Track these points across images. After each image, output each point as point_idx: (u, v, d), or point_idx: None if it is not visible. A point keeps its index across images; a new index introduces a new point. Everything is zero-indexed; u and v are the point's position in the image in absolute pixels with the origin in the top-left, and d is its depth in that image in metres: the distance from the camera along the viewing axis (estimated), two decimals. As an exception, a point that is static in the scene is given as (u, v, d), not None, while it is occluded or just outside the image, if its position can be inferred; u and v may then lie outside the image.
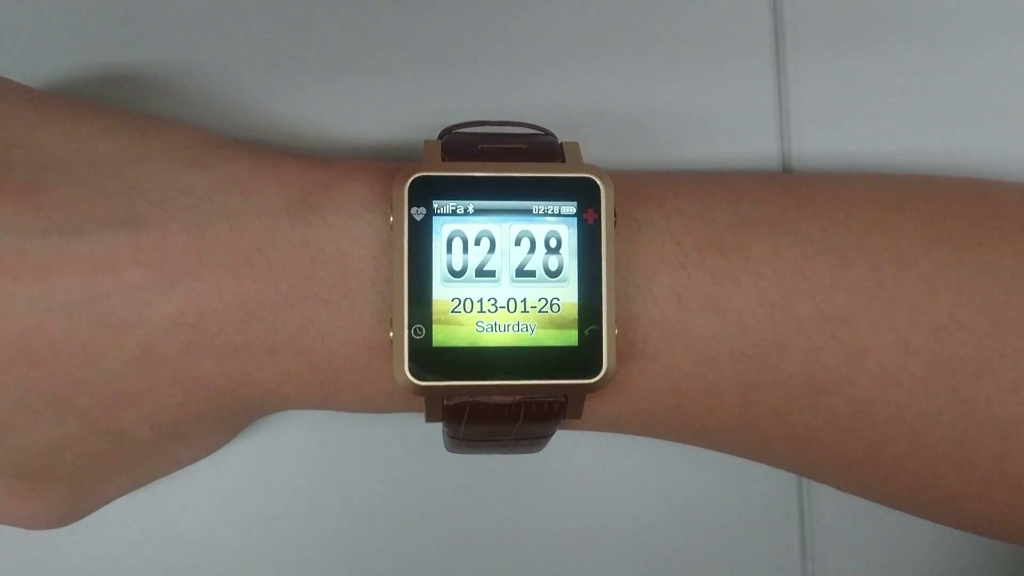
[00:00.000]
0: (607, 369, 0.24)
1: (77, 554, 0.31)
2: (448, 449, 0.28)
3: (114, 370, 0.24)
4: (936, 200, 0.26)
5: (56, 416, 0.24)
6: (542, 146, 0.25)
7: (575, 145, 0.25)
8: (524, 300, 0.24)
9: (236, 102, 0.30)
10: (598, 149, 0.25)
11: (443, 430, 0.26)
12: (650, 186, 0.26)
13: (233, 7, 0.30)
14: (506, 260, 0.24)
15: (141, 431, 0.26)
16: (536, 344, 0.24)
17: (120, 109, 0.26)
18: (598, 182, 0.24)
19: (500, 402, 0.24)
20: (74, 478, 0.26)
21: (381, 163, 0.26)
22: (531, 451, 0.27)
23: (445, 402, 0.24)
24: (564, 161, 0.25)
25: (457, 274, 0.24)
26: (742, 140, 0.30)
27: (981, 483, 0.25)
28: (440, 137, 0.26)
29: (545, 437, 0.26)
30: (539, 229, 0.24)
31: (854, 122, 0.30)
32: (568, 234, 0.24)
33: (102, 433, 0.25)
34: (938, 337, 0.25)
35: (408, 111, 0.30)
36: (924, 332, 0.25)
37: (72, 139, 0.25)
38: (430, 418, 0.25)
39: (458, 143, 0.25)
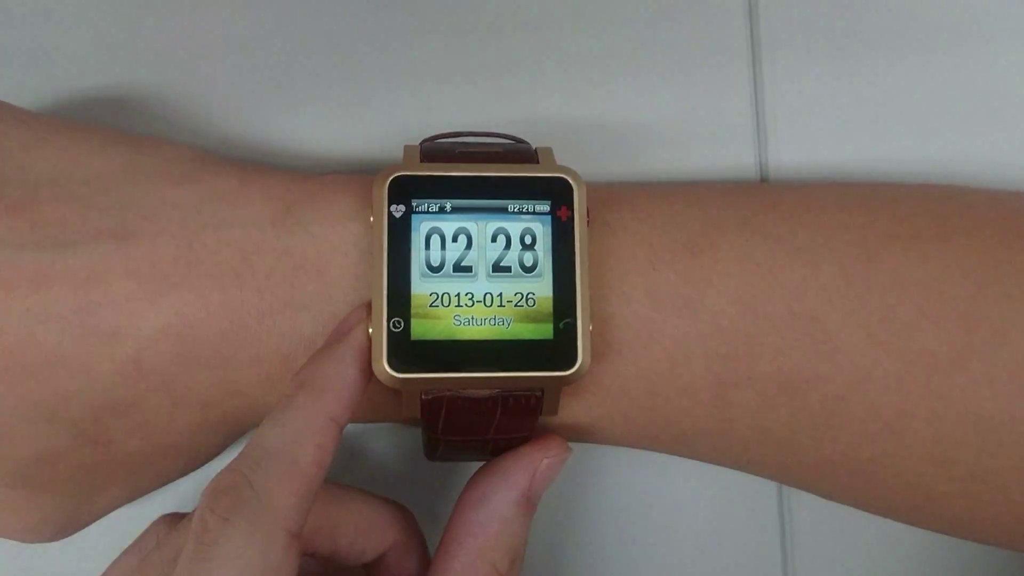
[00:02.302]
0: (582, 362, 0.24)
1: (67, 570, 0.31)
2: (427, 456, 0.28)
3: (104, 380, 0.25)
4: (902, 202, 0.27)
5: (48, 426, 0.25)
6: (517, 150, 0.26)
7: (548, 150, 0.26)
8: (500, 295, 0.24)
9: (224, 122, 0.31)
10: (576, 162, 0.26)
11: (422, 433, 0.26)
12: (623, 192, 0.27)
13: (220, 32, 0.32)
14: (483, 256, 0.25)
15: (131, 441, 0.26)
16: (512, 337, 0.24)
17: (112, 129, 0.27)
18: (570, 181, 0.25)
19: (477, 396, 0.25)
20: (67, 489, 0.27)
21: (364, 177, 0.27)
22: None
23: (423, 396, 0.25)
24: (538, 163, 0.26)
25: (435, 270, 0.24)
26: (720, 152, 0.31)
27: (962, 481, 0.25)
28: (420, 144, 0.27)
29: (523, 439, 0.27)
30: (514, 226, 0.25)
31: (831, 133, 0.31)
32: (542, 231, 0.25)
33: (93, 443, 0.26)
34: (908, 332, 0.25)
35: (390, 128, 0.31)
36: (894, 328, 0.25)
37: (65, 157, 0.26)
38: (408, 411, 0.25)
39: (437, 148, 0.26)
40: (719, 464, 0.28)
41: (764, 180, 0.31)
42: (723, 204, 0.27)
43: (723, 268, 0.25)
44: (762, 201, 0.27)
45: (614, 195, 0.27)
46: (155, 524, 0.27)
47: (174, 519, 0.27)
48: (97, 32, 0.32)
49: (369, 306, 0.24)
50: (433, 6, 0.31)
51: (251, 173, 0.27)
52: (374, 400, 0.26)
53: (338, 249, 0.25)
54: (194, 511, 0.22)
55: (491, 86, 0.31)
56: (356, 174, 0.27)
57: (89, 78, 0.31)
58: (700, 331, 0.25)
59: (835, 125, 0.31)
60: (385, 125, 0.31)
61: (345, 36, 0.32)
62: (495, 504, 0.26)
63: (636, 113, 0.31)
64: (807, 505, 0.31)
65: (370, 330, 0.24)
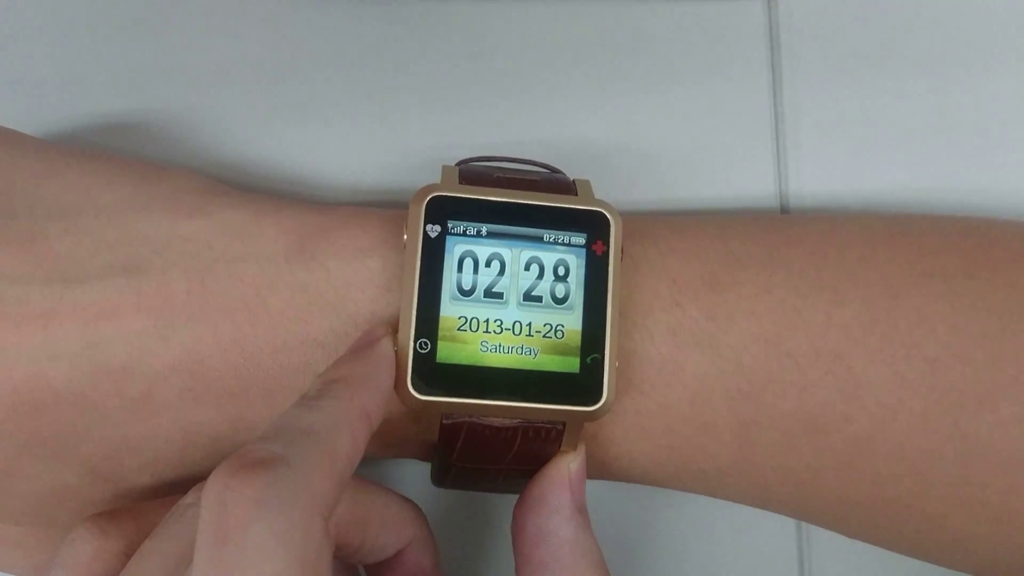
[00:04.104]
0: (607, 399, 0.24)
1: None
2: (435, 482, 0.27)
3: (115, 417, 0.24)
4: (927, 236, 0.27)
5: (58, 464, 0.24)
6: (555, 180, 0.26)
7: (587, 182, 0.26)
8: (530, 324, 0.24)
9: (237, 148, 0.31)
10: (593, 186, 0.26)
11: (434, 459, 0.26)
12: (646, 225, 0.27)
13: (232, 56, 0.31)
14: (515, 284, 0.24)
15: (142, 478, 0.26)
16: (538, 368, 0.24)
17: (123, 157, 0.27)
18: (608, 216, 0.25)
19: (498, 424, 0.24)
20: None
21: (380, 211, 0.27)
22: (518, 491, 0.27)
23: (443, 420, 0.24)
24: (576, 195, 0.26)
25: (466, 293, 0.24)
26: (739, 177, 0.31)
27: (989, 522, 0.25)
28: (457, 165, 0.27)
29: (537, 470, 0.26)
30: (549, 256, 0.25)
31: (852, 158, 0.31)
32: (576, 264, 0.25)
33: (104, 480, 0.25)
34: (934, 370, 0.25)
35: (411, 156, 0.31)
36: (920, 365, 0.25)
37: (75, 190, 0.25)
38: (426, 435, 0.25)
39: (475, 171, 0.26)
40: (740, 503, 0.28)
41: (784, 206, 0.31)
42: (746, 238, 0.26)
43: (746, 305, 0.25)
44: (786, 235, 0.27)
45: (635, 227, 0.27)
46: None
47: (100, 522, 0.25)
48: (111, 55, 0.31)
49: (391, 325, 0.24)
50: (450, 30, 0.32)
51: (265, 206, 0.26)
52: (388, 424, 0.25)
53: (354, 285, 0.25)
54: (204, 496, 0.20)
55: (509, 112, 0.31)
56: (371, 208, 0.27)
57: (103, 102, 0.31)
58: (722, 369, 0.25)
59: (856, 150, 0.31)
60: (405, 151, 0.31)
61: (364, 62, 0.31)
62: (554, 531, 0.25)
63: (654, 137, 0.31)
64: (826, 541, 0.31)
65: (395, 348, 0.24)
